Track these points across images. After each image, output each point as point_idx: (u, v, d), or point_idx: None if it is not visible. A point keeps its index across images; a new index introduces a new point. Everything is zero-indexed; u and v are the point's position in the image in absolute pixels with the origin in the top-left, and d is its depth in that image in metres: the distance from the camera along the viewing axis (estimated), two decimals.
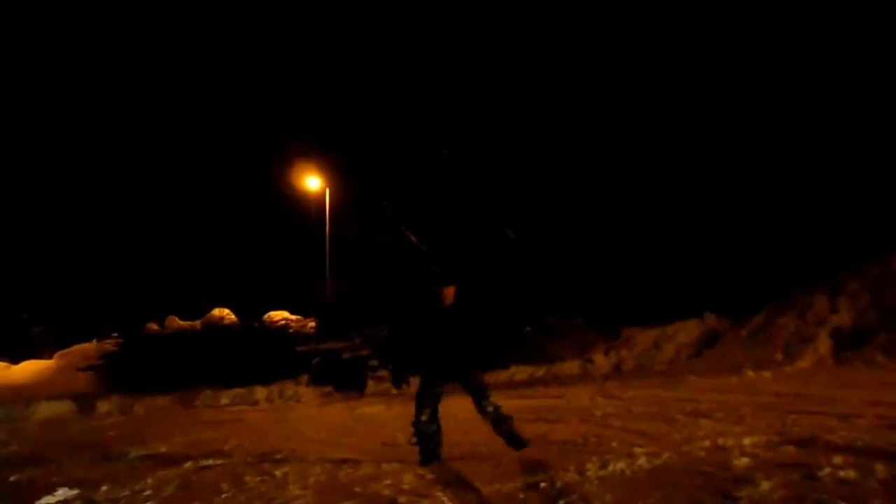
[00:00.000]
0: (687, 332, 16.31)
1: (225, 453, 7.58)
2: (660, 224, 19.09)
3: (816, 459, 4.62)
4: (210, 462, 7.03)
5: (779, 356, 12.78)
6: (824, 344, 12.63)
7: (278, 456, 7.13)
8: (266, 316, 25.11)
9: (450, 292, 6.17)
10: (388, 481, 5.32)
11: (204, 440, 9.38)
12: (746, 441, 5.54)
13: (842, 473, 4.23)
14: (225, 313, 25.35)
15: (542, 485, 4.84)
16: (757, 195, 17.87)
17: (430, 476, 5.43)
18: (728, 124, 19.01)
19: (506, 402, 11.29)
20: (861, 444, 4.95)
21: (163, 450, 8.41)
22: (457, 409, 7.45)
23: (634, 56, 21.12)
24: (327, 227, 22.66)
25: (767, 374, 11.45)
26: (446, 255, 20.79)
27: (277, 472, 6.13)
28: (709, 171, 18.76)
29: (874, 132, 16.47)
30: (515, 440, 5.99)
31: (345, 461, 6.43)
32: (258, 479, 5.93)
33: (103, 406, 17.25)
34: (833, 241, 15.23)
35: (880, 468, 4.23)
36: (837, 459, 4.55)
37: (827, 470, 4.31)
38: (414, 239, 21.16)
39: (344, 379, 18.87)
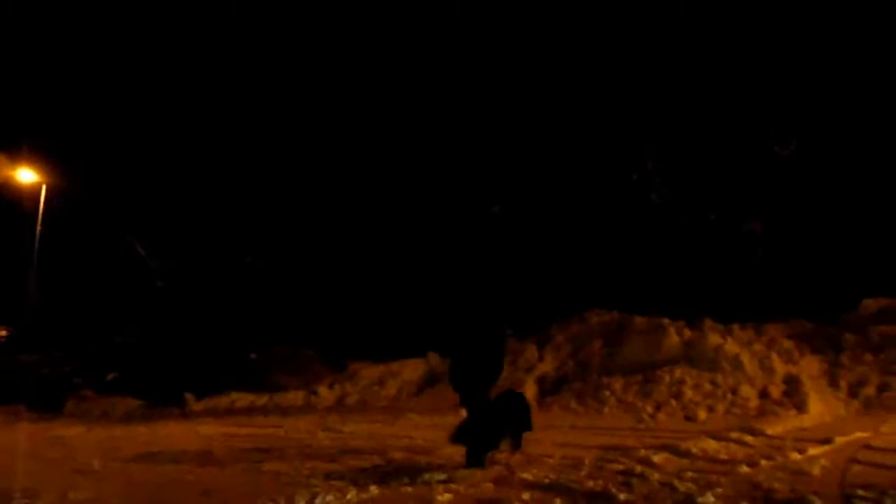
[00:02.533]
0: (411, 370, 16.87)
1: None
2: (389, 264, 19.74)
3: (508, 495, 5.00)
4: None
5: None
6: (531, 389, 13.74)
7: None
8: None
9: None
10: None
11: None
12: (449, 477, 5.84)
13: None
14: None
15: None
16: (487, 249, 19.24)
17: None
18: (472, 184, 20.18)
19: (222, 430, 10.88)
20: (547, 482, 5.45)
21: None
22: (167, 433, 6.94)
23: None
24: (38, 227, 20.20)
25: None
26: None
27: None
28: (444, 224, 19.81)
29: (594, 209, 18.56)
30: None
31: (17, 493, 5.66)
32: None
33: None
34: (547, 297, 16.86)
35: (558, 502, 4.72)
36: (526, 495, 4.98)
37: None
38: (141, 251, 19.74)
39: (37, 396, 16.79)
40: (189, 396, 16.67)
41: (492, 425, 6.63)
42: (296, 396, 16.49)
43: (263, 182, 21.33)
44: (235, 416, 14.07)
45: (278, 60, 21.83)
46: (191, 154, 22.01)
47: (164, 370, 17.78)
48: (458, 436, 6.72)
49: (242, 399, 16.54)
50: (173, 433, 10.93)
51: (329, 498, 5.21)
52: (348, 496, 5.26)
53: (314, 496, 5.23)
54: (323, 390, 16.53)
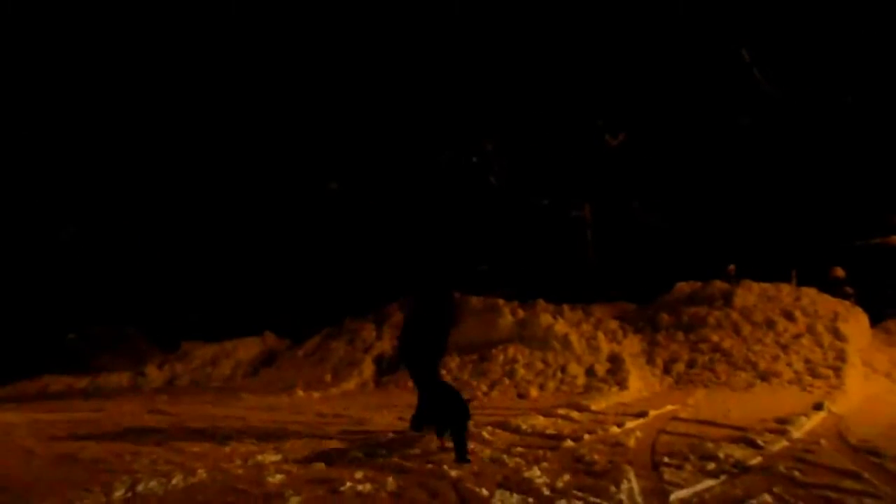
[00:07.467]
0: (246, 349, 16.40)
1: None
2: (223, 238, 19.02)
3: (341, 475, 4.96)
4: None
5: (329, 378, 13.58)
6: (368, 368, 13.80)
7: None
8: None
9: None
10: None
11: None
12: (283, 458, 5.72)
13: (360, 487, 4.63)
14: None
15: None
16: (326, 227, 19.01)
17: None
18: (310, 160, 19.74)
19: (31, 417, 10.00)
20: (380, 461, 5.48)
21: None
22: None
23: None
24: None
25: (317, 395, 12.07)
26: None
27: None
28: (282, 199, 19.32)
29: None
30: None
31: None
32: None
33: None
34: (385, 275, 16.96)
35: (391, 481, 4.75)
36: (359, 474, 4.96)
37: (348, 484, 4.67)
38: None
39: None
40: None
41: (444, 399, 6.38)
42: (120, 378, 15.53)
43: (81, 144, 19.69)
44: (49, 401, 13.00)
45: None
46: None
47: None
48: (416, 423, 6.98)
49: (57, 382, 15.34)
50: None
51: (152, 484, 4.91)
52: (174, 481, 4.99)
53: (136, 483, 4.92)
54: (151, 371, 15.69)
